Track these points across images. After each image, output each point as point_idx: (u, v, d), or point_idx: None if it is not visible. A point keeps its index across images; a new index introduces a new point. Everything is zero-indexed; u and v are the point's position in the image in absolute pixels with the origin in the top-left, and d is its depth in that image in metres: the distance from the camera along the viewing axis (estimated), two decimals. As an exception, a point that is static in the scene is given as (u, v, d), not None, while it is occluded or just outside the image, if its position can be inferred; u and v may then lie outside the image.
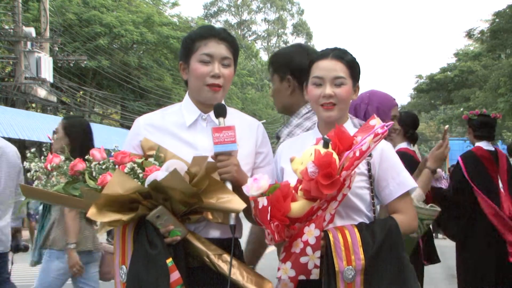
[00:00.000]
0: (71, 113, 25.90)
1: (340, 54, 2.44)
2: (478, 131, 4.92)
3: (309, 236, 2.14)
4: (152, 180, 2.16)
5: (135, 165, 2.23)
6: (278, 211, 2.11)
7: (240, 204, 2.22)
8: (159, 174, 2.17)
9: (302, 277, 2.17)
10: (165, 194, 2.19)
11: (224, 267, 2.27)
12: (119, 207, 2.19)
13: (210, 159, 2.26)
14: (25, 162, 2.38)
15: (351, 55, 2.48)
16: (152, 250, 2.16)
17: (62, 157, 2.34)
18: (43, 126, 17.72)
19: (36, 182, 2.34)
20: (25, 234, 14.17)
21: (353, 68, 2.45)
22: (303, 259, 2.15)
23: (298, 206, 2.14)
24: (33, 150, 2.42)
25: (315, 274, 2.17)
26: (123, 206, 2.19)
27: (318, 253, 2.15)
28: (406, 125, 4.55)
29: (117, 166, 2.26)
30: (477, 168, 4.79)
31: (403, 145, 4.54)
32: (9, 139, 17.75)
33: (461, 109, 31.90)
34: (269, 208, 2.11)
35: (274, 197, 2.12)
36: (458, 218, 4.74)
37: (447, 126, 4.21)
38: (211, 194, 2.23)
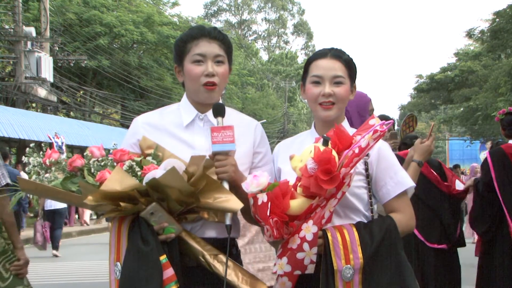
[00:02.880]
0: (71, 113, 25.93)
1: (338, 54, 2.46)
2: (507, 130, 4.97)
3: (307, 233, 2.15)
4: (150, 178, 2.17)
5: (134, 163, 2.24)
6: (277, 208, 2.12)
7: (237, 204, 2.22)
8: (157, 172, 2.17)
9: (297, 272, 2.18)
10: (162, 193, 2.19)
11: (219, 268, 2.27)
12: (116, 202, 2.19)
13: (207, 158, 2.26)
14: (23, 157, 2.38)
15: (348, 55, 2.49)
16: (145, 247, 2.16)
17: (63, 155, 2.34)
18: (43, 126, 17.75)
19: (34, 177, 2.33)
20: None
21: (351, 68, 2.47)
22: (299, 255, 2.16)
23: (297, 204, 2.15)
24: (32, 144, 2.42)
25: (310, 269, 2.18)
26: (120, 202, 2.20)
27: (314, 249, 2.17)
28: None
29: (115, 164, 2.27)
30: (504, 165, 4.82)
31: None
32: (9, 139, 17.79)
33: (461, 109, 31.92)
34: (269, 204, 2.12)
35: (273, 194, 2.13)
36: (489, 216, 4.78)
37: (433, 122, 4.31)
38: (208, 193, 2.23)
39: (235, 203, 2.22)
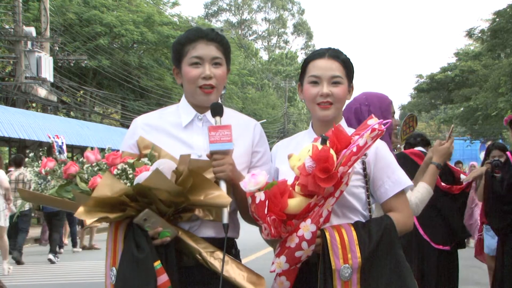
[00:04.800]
0: (71, 112, 25.94)
1: (336, 54, 2.46)
2: None
3: (305, 231, 2.15)
4: (135, 183, 2.17)
5: (126, 166, 2.24)
6: (275, 207, 2.12)
7: (226, 199, 2.22)
8: (147, 174, 2.17)
9: (292, 267, 2.20)
10: (149, 196, 2.19)
11: (216, 264, 2.27)
12: (109, 209, 2.19)
13: (200, 158, 2.27)
14: (22, 168, 2.41)
15: (346, 55, 2.50)
16: (139, 254, 2.16)
17: (58, 157, 2.35)
18: (44, 126, 17.74)
19: (33, 186, 2.36)
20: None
21: (348, 68, 2.47)
22: (298, 254, 2.16)
23: (295, 203, 2.15)
24: (31, 154, 2.43)
25: (303, 259, 2.21)
26: (112, 208, 2.20)
27: (313, 247, 2.18)
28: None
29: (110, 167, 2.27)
30: None
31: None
32: (9, 139, 17.79)
33: (461, 109, 31.92)
34: (267, 202, 2.12)
35: (271, 193, 2.13)
36: (506, 213, 4.80)
37: (452, 125, 4.27)
38: (198, 191, 2.23)
39: (224, 199, 2.22)
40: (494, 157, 6.11)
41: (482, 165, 6.35)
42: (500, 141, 30.13)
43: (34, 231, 14.82)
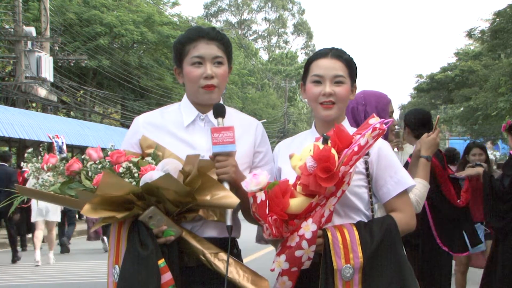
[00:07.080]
0: (71, 112, 25.93)
1: (339, 53, 2.46)
2: None
3: (306, 231, 2.15)
4: (144, 182, 2.16)
5: (131, 165, 2.23)
6: (276, 207, 2.12)
7: (234, 199, 2.22)
8: (154, 174, 2.16)
9: (294, 268, 2.19)
10: (157, 195, 2.19)
11: (220, 266, 2.27)
12: (114, 207, 2.19)
13: (202, 158, 2.26)
14: (22, 163, 2.39)
15: (349, 55, 2.49)
16: (143, 251, 2.16)
17: (58, 157, 2.34)
18: (44, 126, 17.75)
19: (33, 182, 2.34)
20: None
21: (351, 68, 2.47)
22: (298, 253, 2.16)
23: (296, 202, 2.15)
24: (30, 150, 2.42)
25: (306, 265, 2.20)
26: (118, 206, 2.19)
27: (313, 247, 2.17)
28: (412, 124, 4.54)
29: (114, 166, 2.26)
30: None
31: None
32: (9, 139, 17.79)
33: (461, 109, 31.90)
34: (268, 201, 2.12)
35: (273, 193, 2.13)
36: (505, 212, 4.80)
37: (438, 115, 4.27)
38: (205, 191, 2.23)
39: (232, 199, 2.22)
40: (474, 155, 6.23)
41: (461, 163, 6.47)
42: (500, 141, 30.12)
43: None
